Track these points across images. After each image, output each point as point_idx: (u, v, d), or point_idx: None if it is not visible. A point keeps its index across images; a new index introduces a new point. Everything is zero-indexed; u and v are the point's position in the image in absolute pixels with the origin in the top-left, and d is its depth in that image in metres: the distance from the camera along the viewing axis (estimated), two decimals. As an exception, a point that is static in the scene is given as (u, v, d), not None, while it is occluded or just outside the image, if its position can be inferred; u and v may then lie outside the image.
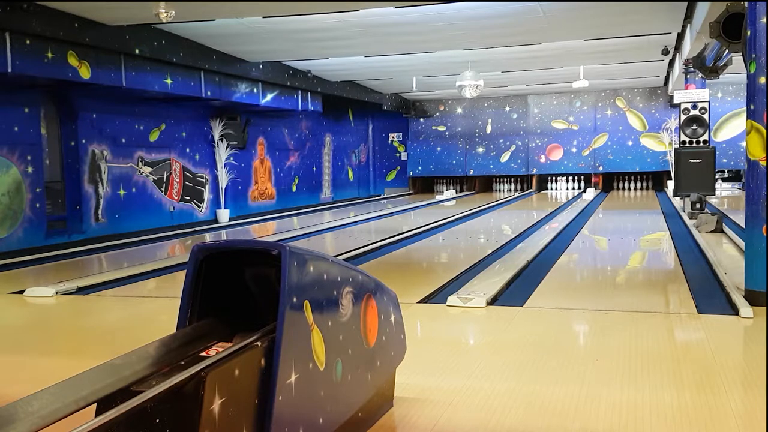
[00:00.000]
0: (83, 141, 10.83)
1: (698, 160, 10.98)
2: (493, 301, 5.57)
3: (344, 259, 5.29)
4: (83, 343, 4.78)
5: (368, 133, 22.24)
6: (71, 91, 10.27)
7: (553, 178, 21.22)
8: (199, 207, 13.75)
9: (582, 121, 20.66)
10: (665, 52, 12.22)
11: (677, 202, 13.83)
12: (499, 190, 21.67)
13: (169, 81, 10.94)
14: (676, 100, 12.41)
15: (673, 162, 14.66)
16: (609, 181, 20.86)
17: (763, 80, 5.14)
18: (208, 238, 11.42)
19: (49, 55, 8.71)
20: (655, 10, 9.32)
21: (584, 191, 19.68)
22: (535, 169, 20.98)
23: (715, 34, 6.79)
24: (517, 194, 20.27)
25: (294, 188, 17.43)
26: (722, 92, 19.00)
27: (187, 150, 13.36)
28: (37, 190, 9.95)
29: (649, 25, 10.40)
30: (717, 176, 14.30)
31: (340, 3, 8.57)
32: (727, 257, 7.45)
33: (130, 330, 5.19)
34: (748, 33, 5.27)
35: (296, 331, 2.30)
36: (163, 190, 12.65)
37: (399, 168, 22.35)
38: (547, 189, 21.16)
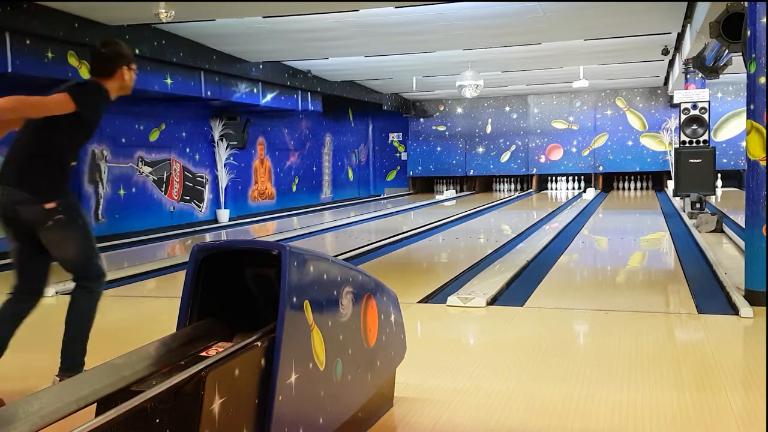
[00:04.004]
0: (83, 141, 10.81)
1: (698, 160, 10.98)
2: (493, 301, 5.57)
3: (344, 259, 5.30)
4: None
5: (368, 133, 22.23)
6: (71, 91, 10.26)
7: (553, 178, 21.21)
8: (199, 207, 13.75)
9: (582, 121, 20.65)
10: (665, 52, 12.22)
11: (677, 202, 13.83)
12: (499, 190, 21.66)
13: (169, 81, 10.94)
14: (676, 100, 12.40)
15: (673, 162, 14.67)
16: (609, 181, 20.86)
17: (763, 80, 5.15)
18: (208, 238, 11.41)
19: (49, 55, 8.71)
20: (655, 10, 9.32)
21: (584, 191, 19.68)
22: (535, 169, 20.98)
23: (715, 34, 6.80)
24: (517, 194, 20.27)
25: (294, 188, 17.43)
26: (722, 92, 18.99)
27: (187, 150, 13.36)
28: (37, 190, 9.93)
29: (649, 25, 10.40)
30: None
31: (340, 3, 8.57)
32: (727, 257, 7.45)
33: (130, 330, 5.19)
34: (748, 33, 5.27)
35: (296, 331, 2.30)
36: (163, 190, 12.65)
37: (399, 168, 22.35)
38: (547, 189, 21.16)
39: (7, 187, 3.42)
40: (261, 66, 12.98)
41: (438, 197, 19.87)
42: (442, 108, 21.85)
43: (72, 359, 3.60)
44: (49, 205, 3.37)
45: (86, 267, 3.60)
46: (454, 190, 21.55)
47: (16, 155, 3.49)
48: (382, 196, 21.26)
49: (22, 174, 3.41)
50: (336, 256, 6.43)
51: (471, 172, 21.45)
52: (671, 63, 14.69)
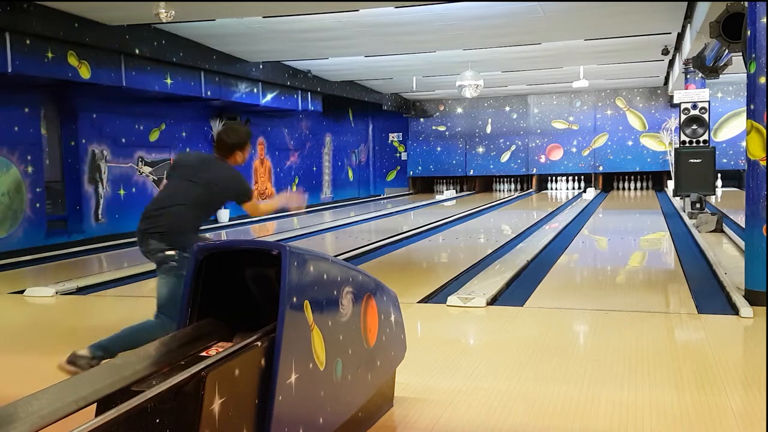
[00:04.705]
0: (83, 141, 10.82)
1: (698, 160, 10.98)
2: (493, 301, 5.57)
3: (344, 259, 5.30)
4: (83, 343, 4.76)
5: (368, 133, 22.23)
6: (71, 91, 10.27)
7: (553, 178, 21.21)
8: (199, 207, 13.73)
9: (582, 121, 20.65)
10: (665, 52, 12.22)
11: (677, 202, 13.83)
12: (499, 190, 21.66)
13: (169, 81, 10.94)
14: (676, 100, 12.40)
15: (673, 162, 14.66)
16: (609, 181, 20.85)
17: (763, 80, 5.14)
18: (209, 238, 11.39)
19: (49, 55, 8.70)
20: (655, 10, 9.32)
21: (584, 191, 19.68)
22: (535, 169, 20.98)
23: (715, 34, 6.79)
24: (517, 194, 20.27)
25: (294, 188, 17.42)
26: (722, 92, 18.99)
27: (188, 150, 13.34)
28: (37, 190, 9.95)
29: (649, 25, 10.40)
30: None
31: (340, 3, 8.57)
32: (727, 257, 7.45)
33: (130, 330, 5.18)
34: (748, 33, 5.27)
35: (296, 331, 2.29)
36: (163, 190, 12.64)
37: (399, 168, 22.34)
38: (547, 189, 21.16)
39: (146, 230, 4.25)
40: (261, 66, 12.98)
41: (438, 197, 19.86)
42: (442, 108, 21.84)
43: (104, 348, 3.97)
44: (169, 252, 4.13)
45: (168, 307, 4.09)
46: (454, 190, 21.55)
47: (164, 206, 4.28)
48: (382, 196, 21.25)
49: (163, 223, 4.19)
50: (336, 256, 6.43)
51: (471, 172, 21.44)
52: (671, 63, 14.69)
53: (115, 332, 4.04)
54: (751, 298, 5.21)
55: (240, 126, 4.60)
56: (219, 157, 4.40)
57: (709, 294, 5.73)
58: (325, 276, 2.54)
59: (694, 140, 11.41)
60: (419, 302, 5.69)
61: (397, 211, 15.41)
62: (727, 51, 8.15)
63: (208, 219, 4.50)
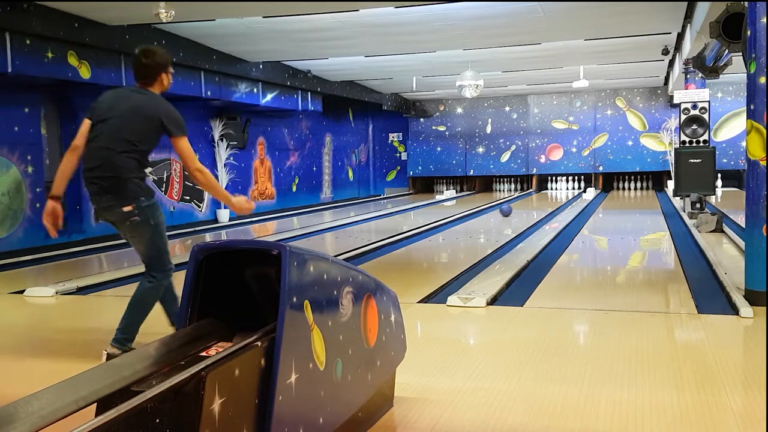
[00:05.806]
0: (83, 141, 10.81)
1: (698, 160, 10.98)
2: (493, 301, 5.57)
3: (344, 259, 5.30)
4: (83, 343, 4.78)
5: (368, 133, 22.23)
6: (71, 91, 10.26)
7: (553, 178, 21.21)
8: (199, 207, 13.74)
9: (582, 121, 20.65)
10: (665, 52, 12.22)
11: (677, 202, 13.83)
12: (499, 190, 21.66)
13: (169, 81, 10.92)
14: (676, 100, 12.40)
15: (673, 162, 14.67)
16: (609, 181, 20.86)
17: (763, 80, 5.14)
18: (208, 238, 11.41)
19: (49, 55, 8.70)
20: (655, 10, 9.32)
21: (584, 191, 19.68)
22: (535, 169, 20.98)
23: (715, 34, 6.80)
24: (517, 194, 20.27)
25: (294, 188, 17.42)
26: (722, 92, 18.99)
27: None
28: (37, 190, 9.94)
29: (649, 25, 10.40)
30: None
31: (340, 3, 8.57)
32: (727, 257, 7.45)
33: (130, 330, 5.17)
34: (748, 33, 5.27)
35: (296, 331, 2.30)
36: (163, 190, 12.65)
37: (399, 168, 22.35)
38: (547, 189, 21.16)
39: (96, 192, 4.05)
40: (261, 66, 12.98)
41: (438, 197, 19.86)
42: (442, 108, 21.84)
43: (125, 334, 4.03)
44: (127, 209, 3.96)
45: (155, 262, 4.18)
46: (454, 190, 21.55)
47: (93, 155, 3.99)
48: (382, 196, 21.25)
49: (99, 175, 3.97)
50: (336, 256, 6.43)
51: (471, 172, 21.45)
52: (671, 63, 14.69)
53: (122, 315, 4.09)
54: (751, 298, 5.21)
55: (155, 46, 4.32)
56: (140, 87, 4.17)
57: (709, 294, 5.74)
58: (325, 276, 2.54)
59: (694, 140, 11.40)
60: (419, 302, 5.69)
61: (397, 211, 15.41)
62: (727, 51, 8.15)
63: (146, 156, 4.07)
